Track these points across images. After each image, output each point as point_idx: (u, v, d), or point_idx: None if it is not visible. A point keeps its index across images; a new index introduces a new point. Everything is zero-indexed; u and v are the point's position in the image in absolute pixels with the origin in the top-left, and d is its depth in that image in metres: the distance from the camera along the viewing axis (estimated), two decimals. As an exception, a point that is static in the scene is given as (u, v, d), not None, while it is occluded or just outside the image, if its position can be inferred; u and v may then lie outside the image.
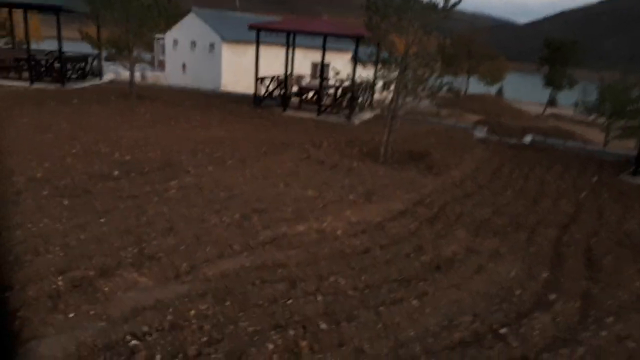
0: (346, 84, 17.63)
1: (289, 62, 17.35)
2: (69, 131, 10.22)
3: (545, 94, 46.29)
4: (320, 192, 7.44)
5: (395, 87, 11.48)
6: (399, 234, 6.00)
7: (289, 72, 19.02)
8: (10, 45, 20.37)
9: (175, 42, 28.62)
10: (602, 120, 21.12)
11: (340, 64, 22.71)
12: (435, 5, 10.88)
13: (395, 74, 11.43)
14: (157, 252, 4.51)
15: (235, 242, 5.02)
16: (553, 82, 43.71)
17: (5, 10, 20.02)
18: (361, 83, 16.73)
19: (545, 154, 14.98)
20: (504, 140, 16.58)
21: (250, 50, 22.00)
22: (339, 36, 16.55)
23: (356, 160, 10.88)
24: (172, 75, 28.80)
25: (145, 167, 7.65)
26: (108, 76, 21.28)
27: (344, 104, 17.06)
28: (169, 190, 6.60)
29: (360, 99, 17.69)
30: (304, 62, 25.07)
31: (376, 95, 18.90)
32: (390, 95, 12.04)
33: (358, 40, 15.81)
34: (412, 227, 6.40)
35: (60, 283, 3.65)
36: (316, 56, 24.66)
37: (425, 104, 21.17)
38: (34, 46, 21.65)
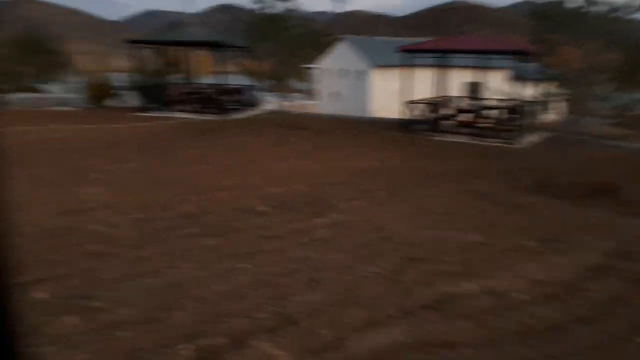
0: (508, 103, 15.91)
1: (441, 83, 16.22)
2: (223, 162, 10.44)
3: None
4: (487, 237, 6.25)
5: (572, 105, 9.73)
6: (601, 301, 4.56)
7: (441, 94, 17.88)
8: (181, 81, 22.49)
9: (326, 70, 29.29)
10: None
11: (494, 83, 20.88)
12: (616, 10, 9.03)
13: (571, 91, 9.69)
14: (297, 313, 3.85)
15: (388, 303, 4.16)
16: None
17: (177, 48, 22.16)
18: (526, 102, 14.90)
19: None
20: None
21: (400, 74, 21.40)
22: (500, 53, 14.99)
23: (526, 194, 9.32)
24: (324, 103, 29.46)
25: (294, 201, 7.24)
26: (266, 106, 22.35)
27: (506, 126, 15.32)
28: (316, 230, 6.01)
29: (524, 121, 15.77)
30: (454, 82, 23.65)
31: (541, 116, 16.76)
32: (561, 115, 10.26)
33: (520, 56, 14.13)
34: (618, 291, 4.88)
35: (183, 353, 3.16)
36: (467, 76, 23.08)
37: (592, 122, 18.30)
38: (203, 81, 23.70)
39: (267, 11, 16.20)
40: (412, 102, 16.83)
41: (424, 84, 18.87)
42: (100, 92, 21.40)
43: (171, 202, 7.00)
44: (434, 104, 16.63)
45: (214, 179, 8.66)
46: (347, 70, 27.49)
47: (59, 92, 27.93)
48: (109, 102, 21.40)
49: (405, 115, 16.99)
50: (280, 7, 16.22)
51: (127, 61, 22.55)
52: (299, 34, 16.54)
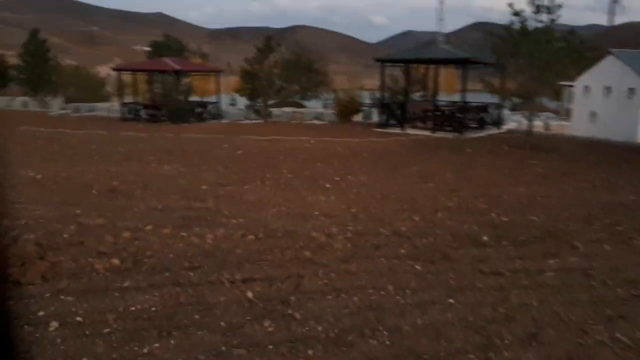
0: None
1: None
2: (450, 182, 9.97)
3: None
4: None
5: None
6: None
7: None
8: (423, 98, 22.66)
9: (586, 88, 25.79)
10: None
11: None
12: None
13: None
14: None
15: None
16: None
17: (421, 65, 22.39)
18: None
19: None
20: None
21: None
22: None
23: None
24: (578, 124, 26.02)
25: (521, 233, 6.36)
26: (509, 125, 20.86)
27: None
28: (544, 272, 5.12)
29: None
30: None
31: None
32: None
33: None
34: None
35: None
36: None
37: None
38: (447, 98, 23.45)
39: (525, 24, 14.99)
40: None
41: None
42: (347, 108, 23.12)
43: (389, 218, 6.92)
44: None
45: (437, 199, 8.30)
46: (611, 88, 23.69)
47: (316, 107, 31.41)
48: (355, 118, 22.95)
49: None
50: (539, 20, 14.81)
51: (377, 80, 23.92)
52: (556, 48, 14.85)
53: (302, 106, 34.36)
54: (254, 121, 22.50)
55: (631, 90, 22.07)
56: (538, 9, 14.70)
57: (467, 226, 6.65)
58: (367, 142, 16.22)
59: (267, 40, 23.59)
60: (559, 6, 14.50)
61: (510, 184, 10.27)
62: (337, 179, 9.69)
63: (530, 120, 16.74)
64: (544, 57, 14.56)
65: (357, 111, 22.83)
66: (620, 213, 8.07)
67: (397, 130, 18.78)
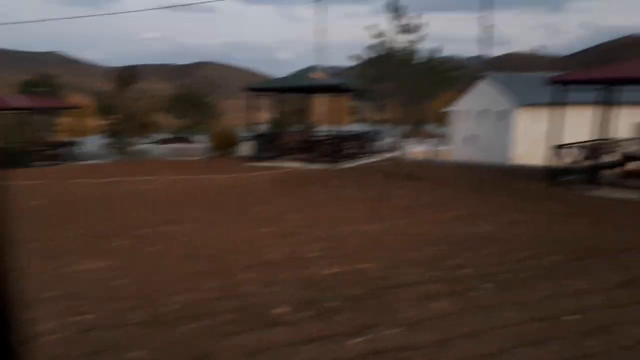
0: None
1: (603, 124, 12.48)
2: (295, 223, 8.56)
3: None
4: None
5: None
6: None
7: (603, 136, 14.06)
8: (300, 129, 21.63)
9: (464, 112, 26.30)
10: None
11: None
12: None
13: None
14: None
15: None
16: None
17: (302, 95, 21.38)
18: None
19: None
20: None
21: (551, 114, 17.65)
22: None
23: None
24: (459, 148, 26.36)
25: (339, 294, 4.95)
26: (389, 153, 20.29)
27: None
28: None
29: None
30: (621, 123, 18.98)
31: None
32: None
33: None
34: None
35: None
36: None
37: None
38: (338, 129, 22.50)
39: (387, 45, 14.31)
40: (562, 146, 13.33)
41: (580, 124, 15.10)
42: (224, 142, 21.52)
43: (172, 288, 5.18)
44: (592, 149, 12.93)
45: (259, 249, 6.77)
46: (486, 111, 24.23)
47: (202, 142, 29.48)
48: (232, 152, 21.37)
49: (553, 162, 13.52)
50: (403, 41, 14.17)
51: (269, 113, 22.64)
52: (423, 71, 14.32)
53: (189, 141, 32.40)
54: (114, 160, 20.11)
55: (504, 112, 22.60)
56: (402, 29, 14.14)
57: (274, 289, 5.13)
58: (231, 178, 14.60)
59: (125, 72, 21.49)
60: (421, 26, 14.05)
61: (365, 220, 9.07)
62: (147, 230, 7.86)
63: (417, 146, 16.14)
64: (408, 79, 13.97)
65: (232, 145, 21.25)
66: (473, 249, 7.06)
67: (270, 164, 17.41)
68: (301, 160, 17.52)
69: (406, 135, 18.67)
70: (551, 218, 9.55)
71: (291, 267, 5.94)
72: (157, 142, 28.91)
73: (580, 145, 13.30)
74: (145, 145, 23.44)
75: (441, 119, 34.03)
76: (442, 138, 33.78)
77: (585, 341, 4.20)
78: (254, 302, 4.73)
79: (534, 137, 19.97)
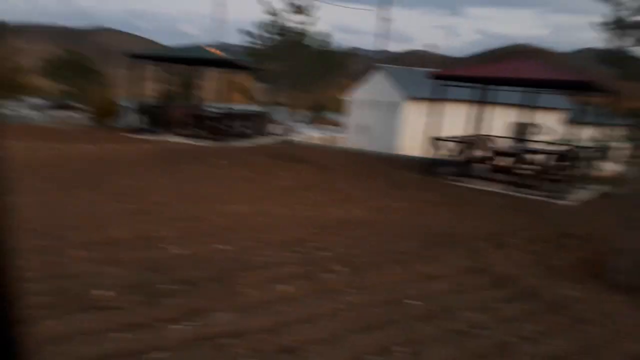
0: (557, 148, 12.80)
1: (479, 121, 13.24)
2: (157, 200, 7.97)
3: None
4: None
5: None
6: None
7: (477, 132, 14.96)
8: (189, 104, 20.60)
9: (357, 101, 26.84)
10: None
11: (545, 125, 17.60)
12: None
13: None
14: None
15: None
16: None
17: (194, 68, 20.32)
18: (581, 148, 11.74)
19: None
20: None
21: (433, 108, 18.53)
22: (557, 85, 11.96)
23: (570, 279, 6.26)
24: (353, 136, 26.92)
25: (178, 278, 4.57)
26: (282, 136, 20.01)
27: (551, 175, 12.15)
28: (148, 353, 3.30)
29: (577, 170, 12.55)
30: (496, 121, 20.50)
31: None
32: (625, 167, 7.23)
33: (580, 90, 11.00)
34: None
35: None
36: (513, 115, 19.92)
37: None
38: (220, 105, 21.67)
39: (279, 24, 13.86)
40: (439, 139, 13.95)
41: (459, 120, 15.96)
42: (103, 111, 19.88)
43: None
44: (466, 143, 13.68)
45: (113, 225, 6.16)
46: (378, 102, 24.91)
47: (84, 110, 27.10)
48: (113, 122, 19.80)
49: (431, 154, 14.14)
50: (296, 21, 13.79)
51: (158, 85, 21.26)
52: (314, 55, 14.06)
53: (71, 108, 29.72)
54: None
55: (394, 104, 23.32)
56: (293, 9, 13.82)
57: (108, 270, 4.61)
58: (104, 148, 13.44)
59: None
60: (312, 8, 13.85)
61: (238, 200, 8.73)
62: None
63: (296, 130, 15.95)
64: (299, 62, 13.72)
65: (112, 114, 19.69)
66: (338, 233, 7.03)
67: (153, 137, 16.35)
68: (186, 135, 16.66)
69: (304, 120, 18.43)
70: (420, 206, 9.91)
71: (137, 246, 5.43)
72: (35, 107, 26.14)
73: (456, 139, 14.02)
74: (18, 109, 21.02)
75: (341, 107, 34.57)
76: (339, 126, 34.35)
77: (422, 326, 4.25)
78: (78, 283, 4.20)
79: (419, 129, 20.91)
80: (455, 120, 16.35)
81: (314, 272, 5.08)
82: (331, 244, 6.35)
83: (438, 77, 12.92)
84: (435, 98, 13.85)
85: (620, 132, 6.72)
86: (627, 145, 7.05)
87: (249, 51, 13.80)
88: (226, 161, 12.24)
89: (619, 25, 6.19)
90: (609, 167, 11.88)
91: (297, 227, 7.11)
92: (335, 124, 38.77)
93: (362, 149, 20.37)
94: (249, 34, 14.36)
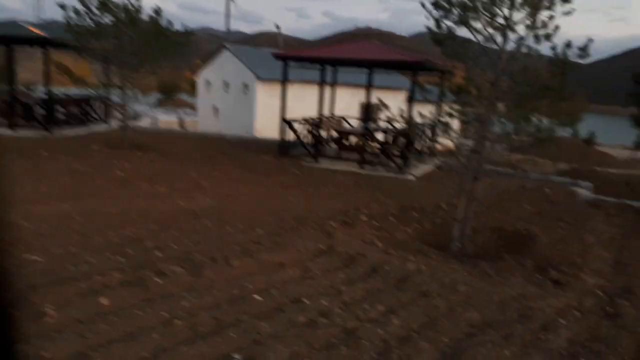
0: (398, 125, 13.44)
1: (330, 102, 13.30)
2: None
3: (625, 136, 39.29)
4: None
5: (479, 129, 7.14)
6: None
7: (325, 112, 15.12)
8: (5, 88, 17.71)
9: (208, 82, 25.70)
10: None
11: (393, 106, 18.61)
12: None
13: (480, 109, 7.08)
14: None
15: None
16: (644, 122, 37.25)
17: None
18: (421, 125, 12.45)
19: None
20: (625, 204, 11.57)
21: (292, 90, 18.44)
22: (388, 65, 12.44)
23: (414, 252, 6.45)
24: (205, 120, 25.77)
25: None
26: (123, 121, 18.20)
27: (396, 152, 12.76)
28: None
29: (417, 146, 13.35)
30: (351, 103, 21.18)
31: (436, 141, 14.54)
32: (462, 141, 7.75)
33: (416, 69, 11.59)
34: None
35: None
36: (360, 95, 20.76)
37: (496, 149, 16.36)
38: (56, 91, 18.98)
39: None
40: (289, 121, 13.81)
41: (312, 101, 15.98)
42: None
43: None
44: (314, 124, 13.72)
45: None
46: (230, 83, 24.11)
47: None
48: None
49: (283, 136, 13.96)
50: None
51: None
52: (146, 32, 12.56)
53: None
54: None
55: (246, 86, 22.71)
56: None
57: None
58: None
59: None
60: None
61: (58, 198, 7.53)
62: None
63: (138, 114, 14.51)
64: (133, 40, 12.33)
65: None
66: (179, 227, 6.39)
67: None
68: (7, 125, 14.27)
69: (152, 104, 16.86)
70: (274, 190, 9.63)
71: None
72: None
73: (304, 120, 14.00)
74: None
75: (194, 89, 32.90)
76: (193, 109, 32.70)
77: (268, 324, 3.89)
78: None
79: (273, 111, 20.69)
80: (309, 101, 16.39)
81: (145, 277, 4.43)
82: (171, 240, 5.70)
83: (283, 57, 12.69)
84: (287, 79, 13.67)
85: (451, 108, 7.15)
86: (456, 120, 7.53)
87: (71, 28, 11.95)
88: (47, 153, 10.64)
89: (439, 5, 6.41)
90: (447, 141, 12.83)
91: (132, 224, 6.30)
92: (190, 106, 36.92)
93: (215, 132, 19.53)
94: (67, 8, 12.31)
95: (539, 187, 11.66)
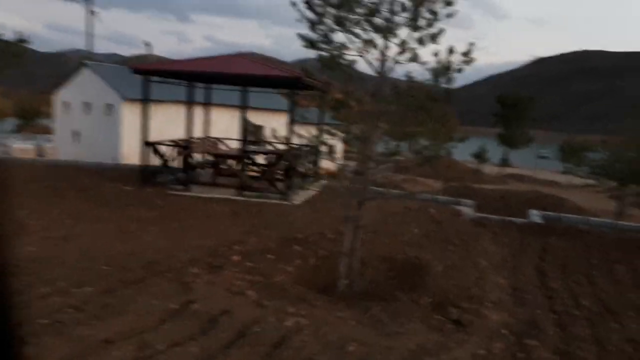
0: (280, 148, 12.39)
1: (192, 119, 11.74)
2: None
3: (491, 153, 42.75)
4: None
5: (361, 149, 6.21)
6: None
7: (201, 134, 13.65)
8: None
9: (66, 104, 22.71)
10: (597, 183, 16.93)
11: (276, 128, 17.58)
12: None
13: (362, 127, 6.16)
14: None
15: None
16: (508, 141, 40.72)
17: None
18: (303, 147, 11.48)
19: (580, 241, 10.00)
20: (508, 221, 11.57)
21: (164, 111, 16.52)
22: (263, 81, 11.31)
23: (294, 300, 5.23)
24: (64, 146, 22.64)
25: None
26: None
27: (276, 176, 11.61)
28: None
29: (301, 169, 12.35)
30: (232, 124, 19.76)
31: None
32: (344, 164, 6.83)
33: (293, 87, 10.58)
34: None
35: None
36: (243, 117, 19.48)
37: (377, 170, 16.03)
38: None
39: None
40: (153, 144, 12.07)
41: (182, 123, 14.29)
42: None
43: None
44: (184, 147, 12.12)
45: None
46: (91, 104, 21.45)
47: None
48: None
49: (149, 161, 12.15)
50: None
51: None
52: None
53: None
54: None
55: (109, 107, 20.28)
56: None
57: None
58: None
59: None
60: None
61: None
62: None
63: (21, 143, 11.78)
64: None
65: None
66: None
67: None
68: None
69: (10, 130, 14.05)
70: (124, 227, 7.89)
71: None
72: None
73: (175, 143, 12.38)
74: None
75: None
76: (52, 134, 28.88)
77: None
78: None
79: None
80: (179, 123, 14.67)
81: None
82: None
83: (143, 71, 11.01)
84: (155, 99, 11.98)
85: (331, 129, 6.31)
86: (337, 141, 6.69)
87: None
88: None
89: (311, 6, 5.47)
90: (331, 164, 12.01)
91: None
92: (50, 131, 32.71)
93: (71, 160, 16.91)
94: None
95: (424, 208, 11.21)
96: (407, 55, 5.52)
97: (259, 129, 19.24)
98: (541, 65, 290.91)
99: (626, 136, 15.60)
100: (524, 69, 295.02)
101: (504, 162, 43.26)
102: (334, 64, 5.68)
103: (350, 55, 5.76)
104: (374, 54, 5.61)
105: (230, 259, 6.40)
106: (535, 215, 12.11)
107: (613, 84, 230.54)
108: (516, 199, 17.91)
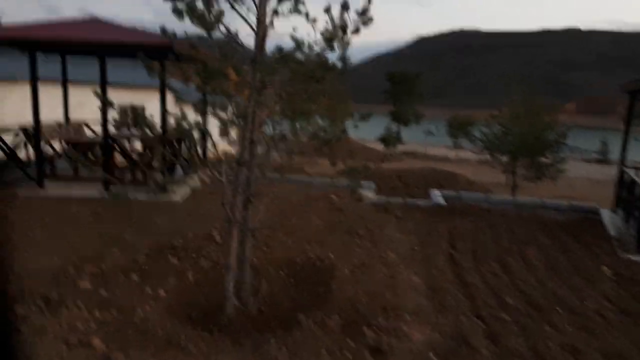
0: (155, 133, 10.58)
1: (38, 100, 9.38)
2: None
3: (382, 130, 43.01)
4: None
5: (245, 131, 4.88)
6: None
7: (64, 117, 11.40)
8: None
9: None
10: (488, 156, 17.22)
11: (157, 108, 15.48)
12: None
13: (247, 106, 4.79)
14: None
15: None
16: (399, 118, 41.40)
17: None
18: (185, 131, 9.83)
19: (485, 221, 9.63)
20: (411, 204, 10.99)
21: (19, 89, 13.55)
22: (122, 50, 9.34)
23: (160, 346, 3.84)
24: None
25: None
26: None
27: (156, 165, 9.83)
28: None
29: (185, 157, 10.67)
30: (92, 105, 17.15)
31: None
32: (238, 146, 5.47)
33: (162, 58, 8.77)
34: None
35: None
36: (127, 96, 17.08)
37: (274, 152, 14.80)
38: None
39: None
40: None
41: (56, 105, 11.74)
42: None
43: None
44: (32, 135, 9.82)
45: None
46: None
47: None
48: None
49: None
50: None
51: None
52: None
53: None
54: None
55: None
56: None
57: None
58: None
59: None
60: None
61: None
62: None
63: None
64: None
65: None
66: None
67: None
68: None
69: None
70: None
71: None
72: None
73: (24, 129, 10.07)
74: None
75: None
76: None
77: None
78: None
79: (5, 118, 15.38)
80: (50, 106, 12.04)
81: None
82: None
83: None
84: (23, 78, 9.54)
85: (210, 104, 4.93)
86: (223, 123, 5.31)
87: None
88: None
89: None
90: (221, 148, 10.45)
91: None
92: None
93: None
94: None
95: (325, 195, 10.20)
96: (289, 4, 4.27)
97: (134, 110, 16.94)
98: (422, 44, 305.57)
99: (511, 110, 15.82)
100: (406, 49, 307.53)
101: (398, 140, 44.04)
102: (204, 21, 4.26)
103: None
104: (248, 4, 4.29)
105: (77, 286, 4.79)
106: (437, 196, 11.67)
107: (486, 60, 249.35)
108: (413, 178, 17.65)
